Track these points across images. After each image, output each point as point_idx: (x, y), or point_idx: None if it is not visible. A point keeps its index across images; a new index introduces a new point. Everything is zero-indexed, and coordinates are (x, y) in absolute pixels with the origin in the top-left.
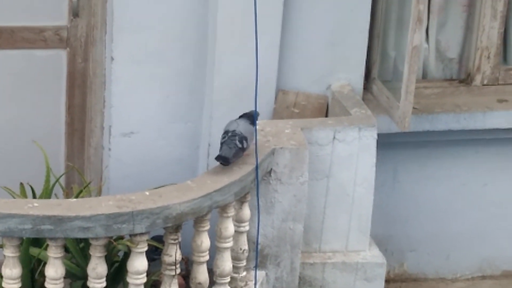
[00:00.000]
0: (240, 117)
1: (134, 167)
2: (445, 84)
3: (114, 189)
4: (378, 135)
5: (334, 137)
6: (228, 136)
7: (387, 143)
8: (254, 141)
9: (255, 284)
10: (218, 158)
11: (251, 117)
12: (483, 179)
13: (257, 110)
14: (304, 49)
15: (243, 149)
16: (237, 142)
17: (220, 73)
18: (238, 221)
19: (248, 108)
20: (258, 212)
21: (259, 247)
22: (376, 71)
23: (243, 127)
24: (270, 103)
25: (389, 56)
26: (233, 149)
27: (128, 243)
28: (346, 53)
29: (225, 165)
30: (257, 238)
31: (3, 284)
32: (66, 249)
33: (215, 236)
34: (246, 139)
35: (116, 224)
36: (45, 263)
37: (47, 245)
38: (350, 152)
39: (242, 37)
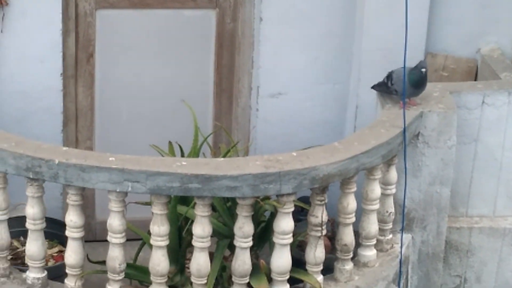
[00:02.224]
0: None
1: (281, 128)
2: None
3: (261, 149)
4: None
5: (483, 101)
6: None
7: None
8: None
9: (401, 247)
10: None
11: (414, 69)
12: None
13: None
14: (454, 11)
15: (386, 85)
16: (385, 77)
17: (368, 34)
18: (384, 183)
19: None
20: (405, 175)
21: (405, 210)
22: None
23: (399, 71)
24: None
25: None
26: (379, 83)
27: (275, 203)
28: (496, 16)
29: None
30: (404, 201)
31: (151, 241)
32: (213, 208)
33: (361, 198)
34: (391, 78)
35: (263, 184)
36: (192, 221)
37: (195, 203)
38: (499, 117)
39: None
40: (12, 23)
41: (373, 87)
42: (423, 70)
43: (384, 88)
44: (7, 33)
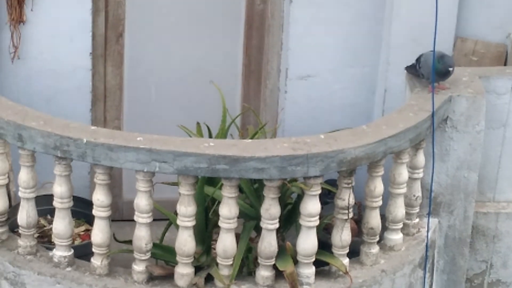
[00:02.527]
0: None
1: (309, 110)
2: None
3: (289, 131)
4: None
5: None
6: None
7: None
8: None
9: (428, 231)
10: None
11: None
12: None
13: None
14: None
15: (415, 68)
16: (415, 61)
17: (398, 17)
18: (412, 167)
19: None
20: (433, 159)
21: (432, 194)
22: None
23: (427, 55)
24: (448, 50)
25: None
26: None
27: (302, 186)
28: None
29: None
30: (431, 185)
31: (178, 222)
32: (240, 189)
33: (389, 181)
34: (419, 61)
35: (290, 166)
36: (219, 202)
37: (222, 184)
38: None
39: None
40: (42, 2)
41: (405, 68)
42: (450, 69)
43: (414, 70)
44: (37, 12)
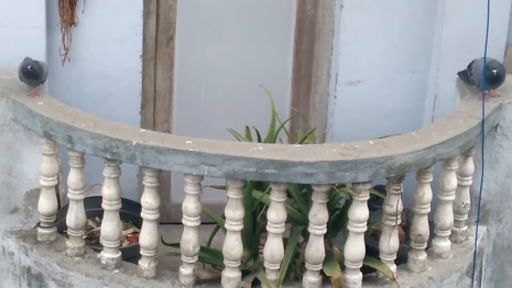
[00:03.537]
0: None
1: (358, 115)
2: None
3: (338, 136)
4: None
5: None
6: None
7: None
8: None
9: (476, 238)
10: None
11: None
12: None
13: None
14: None
15: (466, 74)
16: (467, 68)
17: (449, 23)
18: (461, 174)
19: None
20: (483, 166)
21: (481, 202)
22: None
23: (478, 62)
24: (500, 57)
25: None
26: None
27: (350, 191)
28: None
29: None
30: (480, 193)
31: (226, 225)
32: (288, 194)
33: (437, 188)
34: (470, 67)
35: (339, 172)
36: (267, 207)
37: (270, 189)
38: None
39: None
40: (94, 4)
41: (458, 74)
42: (494, 71)
43: (465, 77)
44: (88, 14)
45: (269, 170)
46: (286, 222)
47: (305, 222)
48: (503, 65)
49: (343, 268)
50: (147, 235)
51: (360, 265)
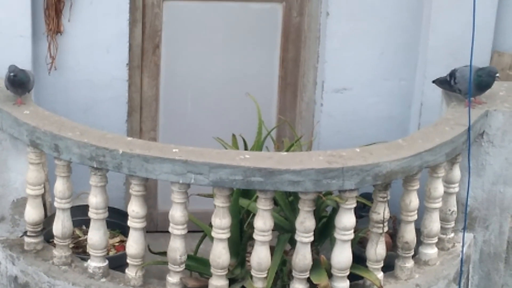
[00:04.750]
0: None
1: (345, 123)
2: None
3: (325, 144)
4: None
5: None
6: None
7: None
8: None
9: (463, 246)
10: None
11: (481, 71)
12: None
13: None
14: None
15: (449, 83)
16: (447, 75)
17: (435, 31)
18: (447, 182)
19: None
20: (469, 174)
21: (468, 209)
22: None
23: (463, 70)
24: (485, 64)
25: None
26: (441, 78)
27: (337, 199)
28: None
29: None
30: (467, 200)
31: (212, 233)
32: (275, 202)
33: (424, 196)
34: (454, 76)
35: (325, 179)
36: (254, 215)
37: (257, 197)
38: None
39: None
40: (80, 12)
41: (434, 82)
42: (498, 75)
43: (447, 86)
44: (74, 22)
45: (256, 178)
46: (273, 230)
47: (292, 230)
48: (491, 67)
49: (330, 275)
50: (134, 244)
51: (347, 273)
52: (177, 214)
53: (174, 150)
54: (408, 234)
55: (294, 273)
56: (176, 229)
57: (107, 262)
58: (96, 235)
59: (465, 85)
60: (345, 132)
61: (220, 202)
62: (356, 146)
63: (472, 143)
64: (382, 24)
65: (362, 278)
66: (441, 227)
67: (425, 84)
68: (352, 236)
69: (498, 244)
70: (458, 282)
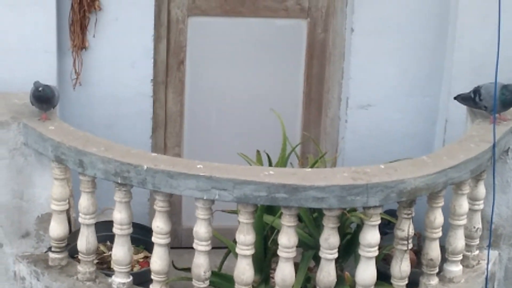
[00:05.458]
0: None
1: (369, 140)
2: None
3: (349, 160)
4: None
5: None
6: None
7: None
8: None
9: (488, 263)
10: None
11: (506, 88)
12: None
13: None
14: None
15: (473, 100)
16: (471, 92)
17: (460, 47)
18: (472, 199)
19: None
20: (494, 191)
21: (493, 226)
22: None
23: (488, 87)
24: (510, 81)
25: None
26: (464, 95)
27: (362, 216)
28: None
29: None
30: (492, 217)
31: (237, 250)
32: (299, 218)
33: (449, 213)
34: (479, 93)
35: (350, 196)
36: (278, 231)
37: (281, 213)
38: None
39: (485, 10)
40: (105, 28)
41: (456, 98)
42: None
43: (471, 103)
44: (99, 38)
45: (280, 194)
46: (297, 247)
47: (316, 247)
48: None
49: None
50: (158, 260)
51: None
52: (201, 230)
53: (198, 166)
54: (433, 251)
55: None
56: (200, 245)
57: (131, 278)
58: (121, 251)
59: (491, 102)
60: (370, 149)
61: (245, 219)
62: (380, 162)
63: (497, 160)
64: (407, 41)
65: None
66: (466, 244)
67: (450, 101)
68: (376, 253)
69: None
70: None
